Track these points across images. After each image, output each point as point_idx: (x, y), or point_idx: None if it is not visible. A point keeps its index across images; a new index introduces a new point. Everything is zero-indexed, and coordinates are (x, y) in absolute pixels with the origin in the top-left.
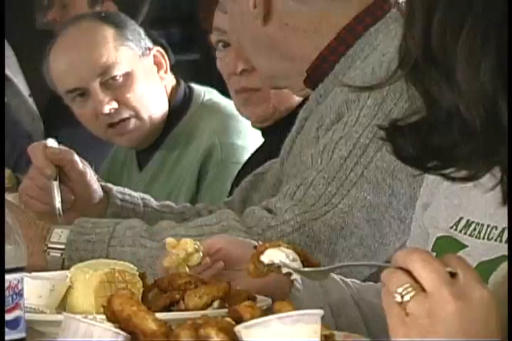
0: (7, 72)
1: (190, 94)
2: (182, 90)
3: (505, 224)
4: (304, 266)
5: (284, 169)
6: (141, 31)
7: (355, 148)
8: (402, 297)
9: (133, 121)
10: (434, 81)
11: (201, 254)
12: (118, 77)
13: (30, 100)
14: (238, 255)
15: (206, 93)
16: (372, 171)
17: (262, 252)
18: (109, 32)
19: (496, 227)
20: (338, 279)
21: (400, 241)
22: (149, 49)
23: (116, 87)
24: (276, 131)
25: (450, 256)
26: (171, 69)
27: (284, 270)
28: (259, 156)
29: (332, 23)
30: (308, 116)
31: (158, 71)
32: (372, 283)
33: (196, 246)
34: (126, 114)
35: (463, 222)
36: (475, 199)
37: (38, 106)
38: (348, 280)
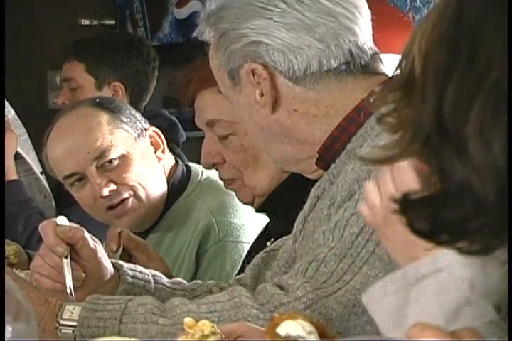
0: (19, 149)
1: (188, 173)
2: (180, 170)
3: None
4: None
5: (296, 247)
6: (137, 114)
7: (367, 225)
8: None
9: (131, 200)
10: (447, 155)
11: (218, 337)
12: (114, 160)
13: (42, 178)
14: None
15: (204, 172)
16: (384, 248)
17: (278, 324)
18: (103, 117)
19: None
20: None
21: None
22: (145, 130)
23: (113, 169)
24: (270, 207)
25: (464, 330)
26: (177, 147)
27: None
28: (264, 234)
29: (341, 105)
30: (320, 194)
31: (155, 151)
32: None
33: (213, 329)
34: (125, 194)
35: None
36: None
37: (49, 183)
38: None
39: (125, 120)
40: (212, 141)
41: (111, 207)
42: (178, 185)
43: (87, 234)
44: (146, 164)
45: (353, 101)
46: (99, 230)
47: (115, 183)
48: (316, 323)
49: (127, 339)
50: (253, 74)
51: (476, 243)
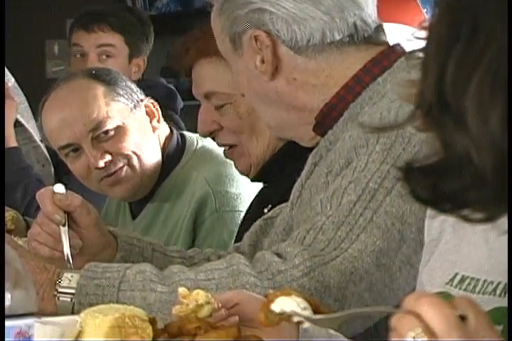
0: (19, 117)
1: (183, 142)
2: (175, 139)
3: (501, 279)
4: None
5: (293, 214)
6: (133, 85)
7: (364, 193)
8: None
9: (125, 169)
10: (448, 126)
11: (212, 307)
12: (110, 131)
13: (42, 145)
14: (254, 313)
15: (199, 141)
16: (382, 216)
17: (272, 301)
18: (99, 89)
19: (492, 282)
20: None
21: (409, 285)
22: (141, 100)
23: (108, 139)
24: (265, 176)
25: (461, 299)
26: (176, 114)
27: (296, 319)
28: (258, 203)
29: (341, 75)
30: (318, 161)
31: (150, 121)
32: None
33: (208, 298)
34: (120, 164)
35: (458, 278)
36: (469, 256)
37: (48, 151)
38: None
39: (121, 92)
40: (208, 110)
41: (104, 177)
42: (173, 154)
43: (84, 202)
44: (141, 134)
45: (352, 71)
46: (96, 199)
47: (110, 154)
48: (310, 299)
49: (125, 306)
50: (256, 41)
51: (478, 212)
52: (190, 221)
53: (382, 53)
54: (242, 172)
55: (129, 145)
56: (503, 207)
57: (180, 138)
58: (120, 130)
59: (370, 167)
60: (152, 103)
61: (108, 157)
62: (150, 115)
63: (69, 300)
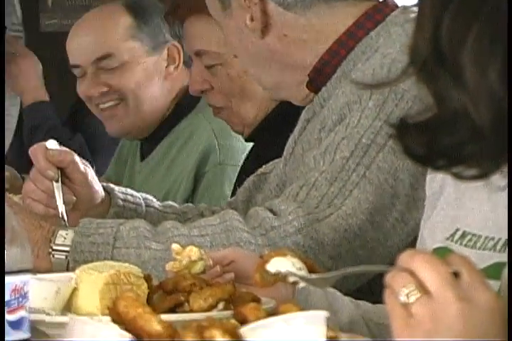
0: None
1: None
2: None
3: (502, 235)
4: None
5: (286, 170)
6: (164, 25)
7: (357, 149)
8: (407, 298)
9: (120, 106)
10: (443, 80)
11: (205, 263)
12: (114, 65)
13: None
14: (249, 270)
15: None
16: (374, 172)
17: (267, 261)
18: (126, 20)
19: (493, 238)
20: (348, 300)
21: (403, 243)
22: (165, 42)
23: (111, 73)
24: (258, 136)
25: (455, 256)
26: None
27: (291, 279)
28: (254, 157)
29: (331, 30)
30: (310, 117)
31: (167, 66)
32: (382, 305)
33: (201, 255)
34: (113, 99)
35: (459, 234)
36: (472, 211)
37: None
38: (358, 301)
39: (145, 29)
40: (199, 69)
41: (101, 107)
42: (189, 102)
43: (77, 158)
44: (147, 76)
45: (343, 26)
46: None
47: (108, 87)
48: (305, 260)
49: (120, 263)
50: None
51: (472, 168)
52: (192, 171)
53: (375, 8)
54: (236, 132)
55: (130, 82)
56: (497, 163)
57: None
58: (126, 66)
59: (363, 123)
60: (177, 48)
61: (104, 89)
62: (169, 60)
63: (64, 257)
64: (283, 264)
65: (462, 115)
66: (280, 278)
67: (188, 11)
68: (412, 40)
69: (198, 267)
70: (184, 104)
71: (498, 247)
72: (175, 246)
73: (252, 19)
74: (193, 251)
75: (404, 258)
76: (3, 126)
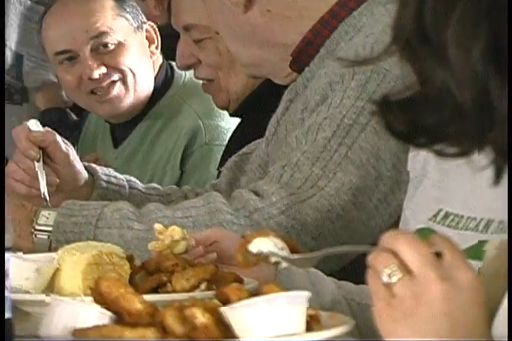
0: None
1: (172, 72)
2: (165, 68)
3: (484, 215)
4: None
5: (268, 150)
6: (138, 7)
7: (339, 128)
8: (389, 278)
9: (118, 85)
10: (426, 59)
11: (188, 243)
12: (110, 45)
13: None
14: (232, 250)
15: (187, 72)
16: (357, 152)
17: (249, 241)
18: (108, 2)
19: (475, 218)
20: (331, 280)
21: (386, 223)
22: (144, 23)
23: (107, 53)
24: (244, 112)
25: (437, 236)
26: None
27: (273, 259)
28: (238, 137)
29: (315, 8)
30: (293, 97)
31: (149, 46)
32: (364, 285)
33: (183, 235)
34: (114, 77)
35: (441, 214)
36: (454, 192)
37: None
38: (341, 282)
39: (128, 9)
40: (187, 43)
41: (93, 92)
42: (163, 83)
43: (58, 138)
44: (139, 55)
45: (327, 4)
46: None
47: (106, 67)
48: (288, 240)
49: (103, 244)
50: None
51: (453, 146)
52: (178, 153)
53: None
54: (220, 107)
55: (128, 61)
56: (478, 142)
57: (169, 68)
58: (120, 46)
59: (345, 103)
60: (153, 28)
61: (103, 69)
62: (149, 40)
63: (46, 237)
64: (265, 244)
65: (445, 93)
66: (262, 258)
67: None
68: (395, 18)
69: (181, 247)
70: (159, 87)
71: (480, 227)
72: (157, 226)
73: None
74: (175, 231)
75: (387, 238)
76: (3, 124)
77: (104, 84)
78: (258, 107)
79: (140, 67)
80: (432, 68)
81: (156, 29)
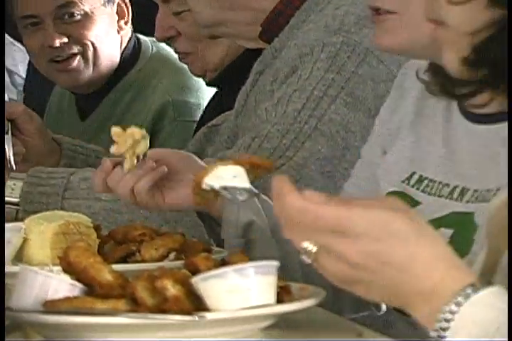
0: None
1: (138, 45)
2: (132, 41)
3: (457, 182)
4: (255, 171)
5: (238, 122)
6: None
7: (309, 101)
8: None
9: (78, 58)
10: None
11: (147, 142)
12: (76, 15)
13: None
14: (181, 165)
15: (154, 45)
16: (326, 124)
17: (201, 180)
18: None
19: (448, 185)
20: None
21: None
22: None
23: (72, 23)
24: (222, 82)
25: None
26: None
27: (226, 193)
28: (213, 108)
29: None
30: (263, 69)
31: (118, 20)
32: None
33: (143, 134)
34: (74, 50)
35: (415, 177)
36: (428, 155)
37: None
38: None
39: None
40: (166, 15)
41: (55, 60)
42: (130, 57)
43: (26, 109)
44: (105, 29)
45: None
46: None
47: (68, 37)
48: (244, 161)
49: (70, 213)
50: None
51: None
52: (148, 128)
53: None
54: (196, 75)
55: (91, 34)
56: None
57: (137, 41)
58: (87, 17)
59: (315, 75)
60: (125, 2)
61: (65, 39)
62: (120, 14)
63: (13, 208)
64: (215, 180)
65: None
66: (216, 193)
67: None
68: None
69: (143, 147)
70: (126, 60)
71: (455, 195)
72: (114, 129)
73: None
74: (135, 131)
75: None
76: (3, 124)
77: (64, 54)
78: (235, 78)
79: (104, 41)
80: None
81: (128, 3)
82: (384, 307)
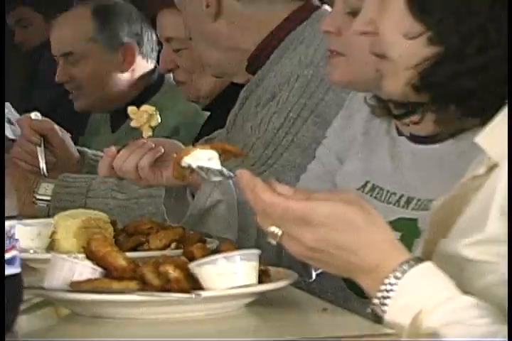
0: None
1: (162, 76)
2: (157, 71)
3: (403, 192)
4: (227, 155)
5: (229, 136)
6: (121, 28)
7: (286, 120)
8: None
9: (79, 91)
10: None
11: (158, 117)
12: (76, 60)
13: None
14: (171, 149)
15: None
16: (300, 138)
17: (181, 158)
18: (88, 24)
19: (395, 194)
20: None
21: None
22: (122, 43)
23: (72, 66)
24: (214, 107)
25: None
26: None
27: (201, 172)
28: (208, 126)
29: (268, 21)
30: (248, 95)
31: (123, 61)
32: None
33: (154, 109)
34: (73, 86)
35: (369, 186)
36: (378, 167)
37: None
38: None
39: (105, 33)
40: (168, 52)
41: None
42: (155, 83)
43: (56, 126)
44: (102, 69)
45: (278, 19)
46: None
47: (70, 77)
48: (217, 145)
49: (91, 211)
50: None
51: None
52: None
53: (303, 6)
54: (189, 100)
55: (83, 74)
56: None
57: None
58: (81, 61)
59: (291, 100)
60: (131, 48)
61: (67, 78)
62: (127, 56)
63: (45, 205)
64: (193, 159)
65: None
66: (192, 170)
67: (160, 4)
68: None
69: (156, 120)
70: (150, 88)
71: (402, 203)
72: (130, 107)
73: (207, 6)
74: (147, 107)
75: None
76: (3, 126)
77: (69, 88)
78: (225, 104)
79: (100, 78)
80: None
81: (135, 49)
82: (314, 276)
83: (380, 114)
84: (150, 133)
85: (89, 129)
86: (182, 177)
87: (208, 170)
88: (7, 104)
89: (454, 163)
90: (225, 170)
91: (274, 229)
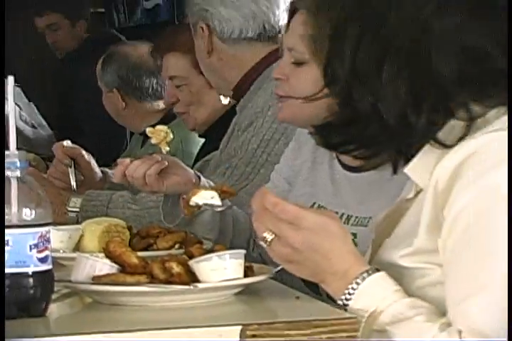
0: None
1: None
2: None
3: (343, 211)
4: (220, 195)
5: (222, 157)
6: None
7: (262, 142)
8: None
9: None
10: (359, 94)
11: (171, 134)
12: None
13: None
14: (173, 163)
15: None
16: (273, 157)
17: (190, 199)
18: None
19: (337, 212)
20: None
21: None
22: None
23: None
24: (209, 134)
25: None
26: None
27: (207, 207)
28: (204, 150)
29: (250, 59)
30: (235, 123)
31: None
32: None
33: (168, 128)
34: None
35: (315, 206)
36: (321, 191)
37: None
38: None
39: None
40: (171, 88)
41: None
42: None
43: (83, 152)
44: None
45: (257, 57)
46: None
47: None
48: (216, 187)
49: (112, 219)
50: (202, 30)
51: (368, 150)
52: None
53: (277, 49)
54: (189, 129)
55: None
56: (389, 147)
57: None
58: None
59: (265, 126)
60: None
61: None
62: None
63: (75, 215)
64: (199, 199)
65: (372, 115)
66: (199, 207)
67: (167, 48)
68: (325, 65)
69: (170, 137)
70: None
71: (343, 220)
72: (148, 128)
73: (204, 43)
74: (162, 127)
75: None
76: (3, 126)
77: None
78: (218, 131)
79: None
80: (363, 99)
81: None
82: (278, 269)
83: (322, 145)
84: (168, 149)
85: (131, 142)
86: (191, 214)
87: (211, 205)
88: (34, 108)
89: (382, 187)
90: (223, 205)
91: (266, 234)
